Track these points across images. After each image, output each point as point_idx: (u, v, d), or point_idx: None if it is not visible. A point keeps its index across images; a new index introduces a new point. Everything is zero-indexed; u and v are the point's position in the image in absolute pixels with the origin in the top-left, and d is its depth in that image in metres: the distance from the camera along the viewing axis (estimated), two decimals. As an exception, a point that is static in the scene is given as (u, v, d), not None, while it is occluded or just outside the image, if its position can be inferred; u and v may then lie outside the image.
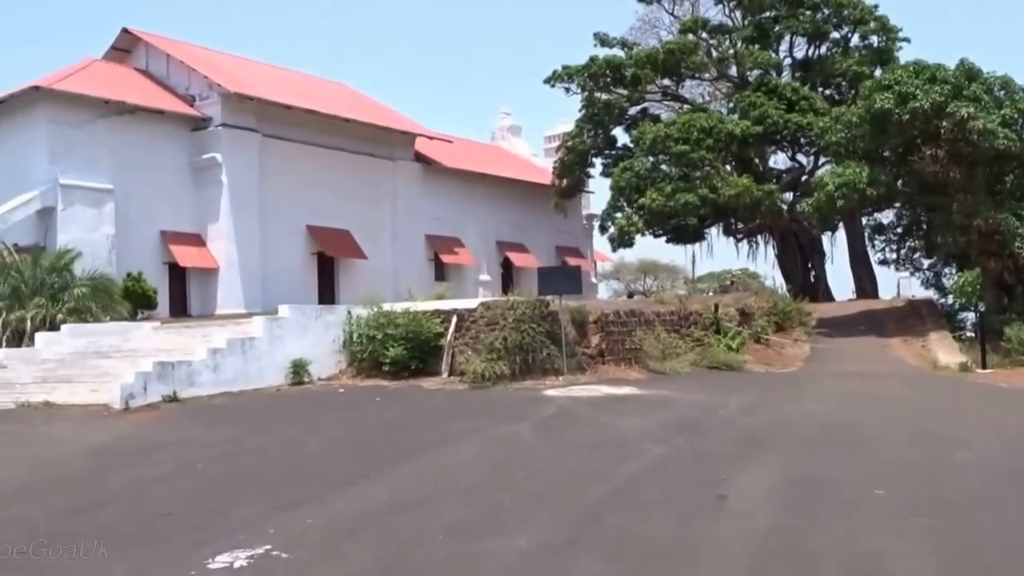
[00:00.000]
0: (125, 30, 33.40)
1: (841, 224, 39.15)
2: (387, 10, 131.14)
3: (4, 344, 22.18)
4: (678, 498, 9.13)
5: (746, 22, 40.58)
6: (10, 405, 18.17)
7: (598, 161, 41.30)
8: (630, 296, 36.04)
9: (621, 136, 40.78)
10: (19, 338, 22.52)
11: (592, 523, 8.21)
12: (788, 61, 41.05)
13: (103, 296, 24.36)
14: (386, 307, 20.88)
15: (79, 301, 23.53)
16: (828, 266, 43.20)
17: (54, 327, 22.48)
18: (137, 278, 27.21)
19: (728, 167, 37.04)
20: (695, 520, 8.25)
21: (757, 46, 38.88)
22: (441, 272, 38.29)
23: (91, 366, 20.04)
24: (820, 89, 38.86)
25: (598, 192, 48.92)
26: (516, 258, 41.81)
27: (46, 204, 27.02)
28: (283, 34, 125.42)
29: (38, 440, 14.66)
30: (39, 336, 21.86)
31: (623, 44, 40.34)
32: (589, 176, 42.90)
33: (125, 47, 33.73)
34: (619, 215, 36.22)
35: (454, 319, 20.26)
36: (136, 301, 26.44)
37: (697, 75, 40.70)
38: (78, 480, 11.29)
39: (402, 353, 19.57)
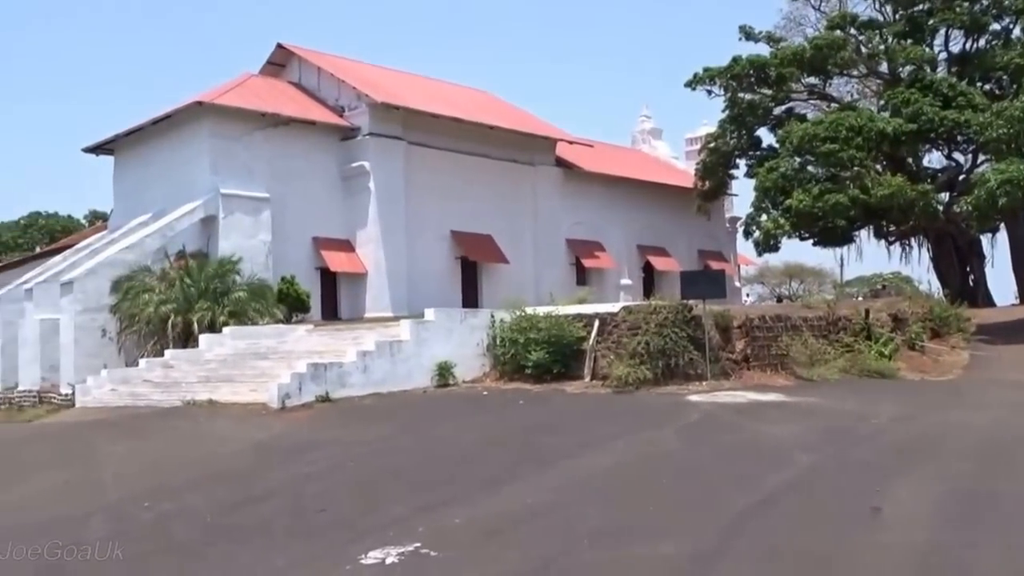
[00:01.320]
0: (280, 45, 34.98)
1: (1002, 225, 37.09)
2: (527, 16, 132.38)
3: (171, 345, 23.61)
4: (830, 509, 8.84)
5: (897, 16, 38.94)
6: (177, 403, 19.31)
7: (742, 162, 40.45)
8: (779, 300, 35.15)
9: (766, 136, 39.82)
10: (184, 339, 23.91)
11: (740, 532, 8.03)
12: (943, 56, 39.11)
13: (260, 300, 25.61)
14: (528, 311, 21.03)
15: (238, 304, 24.82)
16: (988, 269, 40.97)
17: (216, 329, 23.76)
18: (291, 282, 28.37)
19: (879, 167, 35.64)
20: (849, 532, 7.95)
21: (910, 41, 37.20)
22: (582, 276, 38.32)
23: (250, 366, 21.02)
24: (979, 84, 36.90)
25: (741, 195, 48.10)
26: (657, 262, 41.46)
27: (209, 213, 28.49)
28: (424, 43, 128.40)
29: (203, 437, 15.51)
30: (203, 338, 23.15)
31: (769, 38, 39.43)
32: (732, 178, 42.10)
33: (280, 61, 35.32)
34: (764, 217, 35.34)
35: (596, 323, 20.21)
36: (291, 304, 27.59)
37: (845, 72, 39.28)
38: (240, 475, 11.88)
39: (544, 357, 19.66)
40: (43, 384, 26.32)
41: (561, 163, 38.49)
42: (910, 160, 36.90)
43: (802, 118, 38.26)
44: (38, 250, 52.97)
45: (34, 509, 10.73)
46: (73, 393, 23.17)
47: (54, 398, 24.74)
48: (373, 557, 7.51)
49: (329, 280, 31.38)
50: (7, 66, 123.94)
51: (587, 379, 19.63)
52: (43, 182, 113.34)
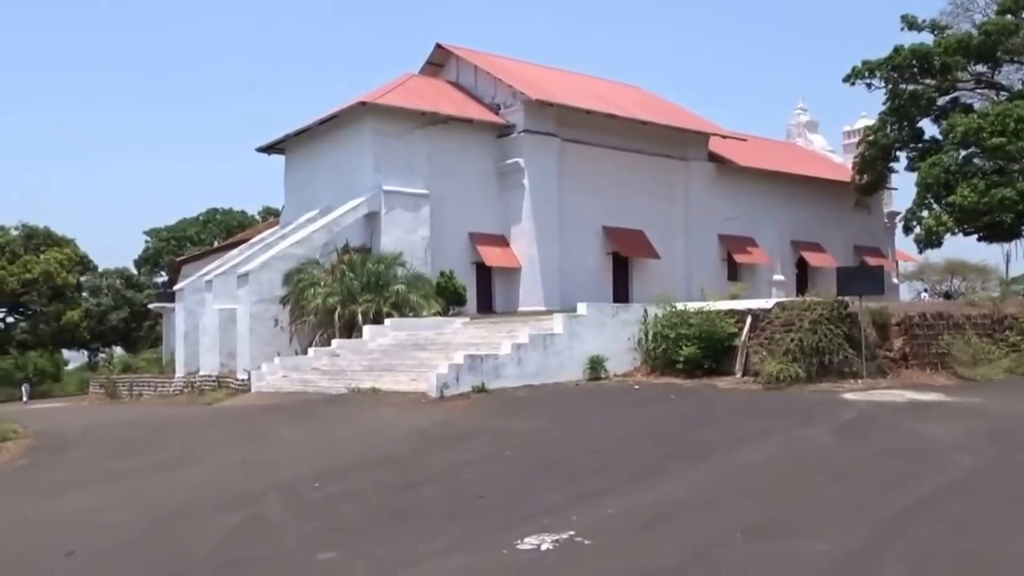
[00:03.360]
0: (438, 46, 35.91)
1: None
2: (682, 9, 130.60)
3: (337, 334, 24.77)
4: (993, 513, 8.55)
5: (1076, -4, 36.46)
6: (343, 390, 20.25)
7: (902, 155, 38.76)
8: (948, 297, 33.63)
9: (928, 128, 38.01)
10: (349, 330, 25.05)
11: (898, 533, 7.87)
12: (1125, 38, 36.37)
13: (420, 293, 26.54)
14: (679, 306, 20.99)
15: (399, 297, 25.80)
16: None
17: (378, 320, 24.78)
18: (449, 276, 29.21)
19: (1051, 158, 33.56)
20: (1013, 537, 7.68)
21: (1090, 23, 34.84)
22: (734, 272, 37.81)
23: (410, 357, 21.83)
24: None
25: (900, 188, 46.21)
26: (811, 258, 40.46)
27: (372, 209, 29.65)
28: (578, 39, 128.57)
29: (367, 423, 16.23)
30: (366, 328, 24.20)
31: (933, 27, 37.59)
32: (892, 171, 40.43)
33: (438, 61, 36.29)
34: (926, 213, 33.90)
35: (748, 319, 20.00)
36: (448, 298, 28.43)
37: (1016, 59, 37.07)
38: (402, 460, 12.40)
39: (695, 352, 19.61)
40: (222, 369, 28.09)
41: (714, 158, 38.06)
42: (1087, 152, 34.51)
43: (968, 108, 36.40)
44: (216, 244, 56.08)
45: (217, 484, 11.53)
46: (249, 378, 24.63)
47: (231, 383, 26.37)
48: (529, 543, 7.71)
49: (484, 274, 32.11)
50: (187, 77, 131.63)
51: (738, 375, 19.49)
52: (221, 180, 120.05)
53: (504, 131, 32.64)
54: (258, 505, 9.97)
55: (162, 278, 68.20)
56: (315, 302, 25.56)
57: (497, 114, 33.04)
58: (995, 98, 36.88)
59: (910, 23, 37.54)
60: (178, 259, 54.06)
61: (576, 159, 33.10)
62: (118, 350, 65.44)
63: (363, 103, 30.10)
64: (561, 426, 15.04)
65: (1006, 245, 37.04)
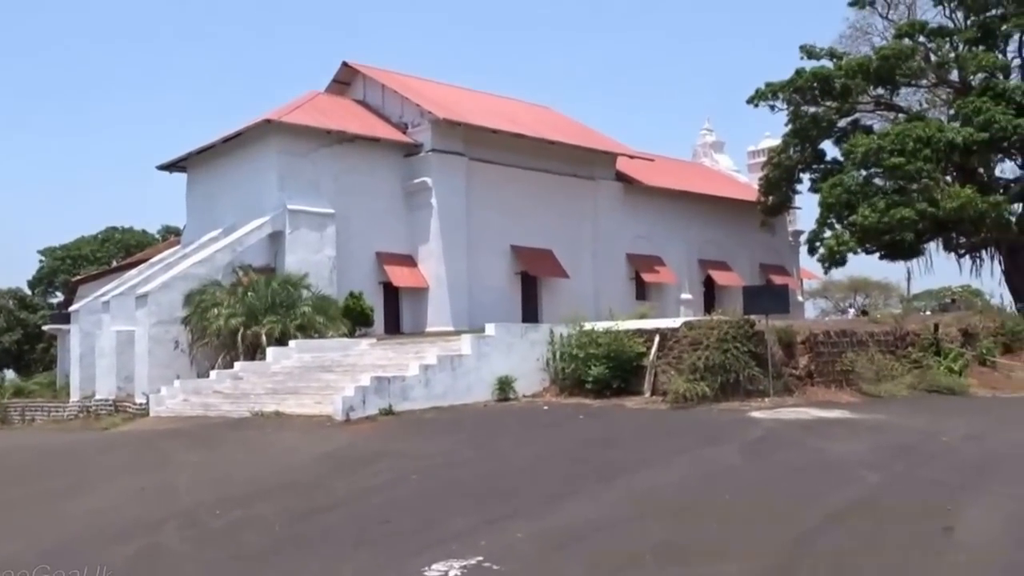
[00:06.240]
0: (345, 64, 35.56)
1: (1079, 235, 35.94)
2: (589, 32, 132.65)
3: (241, 357, 24.15)
4: (898, 528, 8.69)
5: (969, 22, 37.98)
6: (245, 413, 19.75)
7: (806, 176, 39.88)
8: (865, 313, 34.68)
9: (830, 150, 39.18)
10: (253, 352, 24.44)
11: (806, 551, 7.95)
12: (1017, 62, 38.11)
13: (325, 314, 26.09)
14: (588, 326, 20.97)
15: (305, 318, 25.32)
16: (1064, 281, 39.62)
17: (283, 342, 24.24)
18: (358, 298, 28.78)
19: (948, 178, 34.92)
20: (918, 552, 7.83)
21: (982, 47, 36.32)
22: (642, 291, 38.19)
23: (315, 379, 21.38)
24: (1055, 91, 35.86)
25: (805, 207, 47.50)
26: (718, 276, 41.14)
27: (276, 228, 29.02)
28: (486, 60, 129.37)
29: (271, 447, 15.84)
30: (270, 351, 23.65)
31: (831, 54, 38.78)
32: (796, 192, 41.53)
33: (345, 79, 35.90)
34: (828, 234, 34.85)
35: (656, 338, 20.09)
36: (355, 319, 27.99)
37: (914, 82, 38.49)
38: (307, 486, 12.09)
39: (604, 372, 19.59)
40: (119, 393, 27.17)
41: (622, 177, 38.46)
42: (981, 170, 36.02)
43: (868, 130, 37.62)
44: (114, 264, 54.42)
45: (112, 513, 11.11)
46: (147, 402, 23.87)
47: (129, 407, 25.52)
48: (436, 570, 7.59)
49: (392, 294, 31.73)
50: (85, 89, 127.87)
51: (647, 395, 19.51)
52: (119, 198, 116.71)
53: (412, 150, 32.39)
54: (156, 534, 9.66)
55: (57, 299, 65.87)
56: (217, 323, 24.86)
57: (405, 133, 32.80)
58: (894, 120, 38.21)
59: (809, 52, 38.53)
60: (74, 279, 52.23)
61: (484, 178, 33.03)
62: (10, 373, 62.83)
63: (268, 121, 29.56)
64: (470, 448, 14.86)
65: (907, 263, 38.42)
